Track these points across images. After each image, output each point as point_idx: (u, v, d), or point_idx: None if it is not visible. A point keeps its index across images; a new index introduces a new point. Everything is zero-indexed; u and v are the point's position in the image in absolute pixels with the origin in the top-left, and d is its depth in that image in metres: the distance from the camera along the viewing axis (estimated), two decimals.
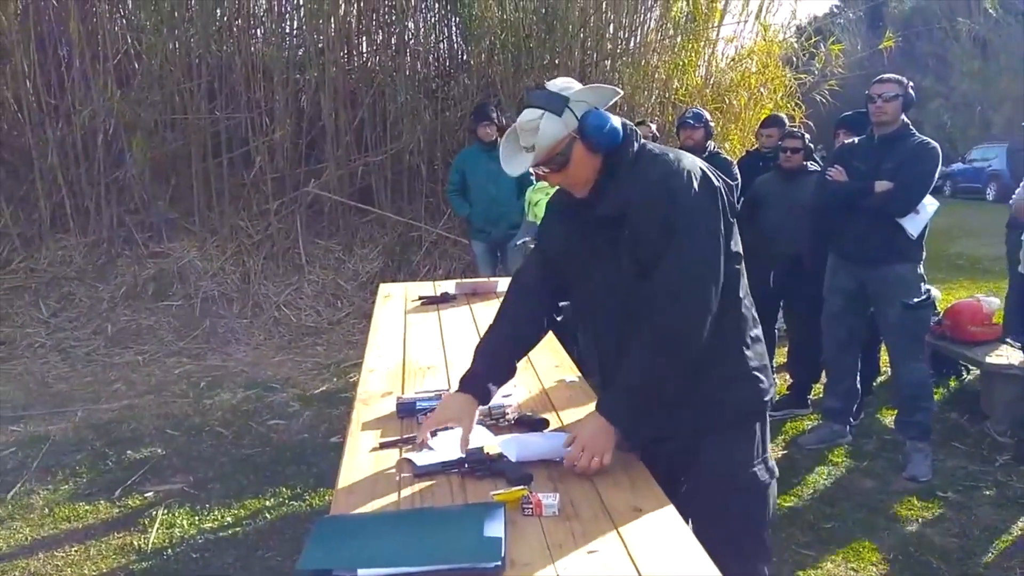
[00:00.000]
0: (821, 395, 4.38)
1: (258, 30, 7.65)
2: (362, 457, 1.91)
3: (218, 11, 7.34)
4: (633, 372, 1.74)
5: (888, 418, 4.30)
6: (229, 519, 3.37)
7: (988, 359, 4.29)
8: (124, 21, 7.55)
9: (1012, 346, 4.45)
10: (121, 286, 6.66)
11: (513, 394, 2.30)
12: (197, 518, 3.38)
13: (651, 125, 5.43)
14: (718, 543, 1.53)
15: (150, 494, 3.63)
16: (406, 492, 1.72)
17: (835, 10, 28.48)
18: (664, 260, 1.70)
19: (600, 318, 1.89)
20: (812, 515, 3.34)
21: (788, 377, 4.75)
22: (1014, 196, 3.87)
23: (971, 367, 4.73)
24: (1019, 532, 3.17)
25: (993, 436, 4.09)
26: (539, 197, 5.32)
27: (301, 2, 7.53)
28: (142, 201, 7.06)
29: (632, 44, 7.61)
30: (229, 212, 7.02)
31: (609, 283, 1.81)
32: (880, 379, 4.78)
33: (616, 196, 1.76)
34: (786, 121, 5.29)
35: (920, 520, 3.27)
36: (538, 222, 5.18)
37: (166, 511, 3.43)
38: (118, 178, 7.05)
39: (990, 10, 20.15)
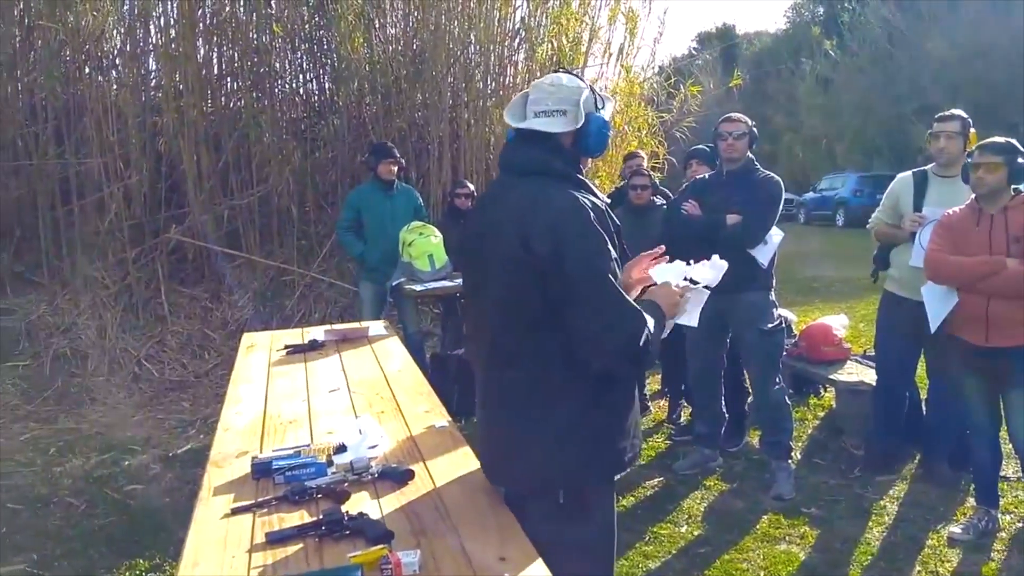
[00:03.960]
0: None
1: (112, 72, 7.29)
2: (212, 525, 1.79)
3: (67, 51, 6.94)
4: None
5: (756, 439, 4.48)
6: None
7: (839, 377, 4.57)
8: None
9: (860, 363, 4.77)
10: None
11: (379, 445, 2.24)
12: None
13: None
14: None
15: None
16: (258, 560, 1.62)
17: (693, 52, 30.38)
18: None
19: None
20: (686, 540, 3.41)
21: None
22: (870, 221, 4.13)
23: (827, 385, 5.02)
24: (875, 541, 3.36)
25: (849, 450, 4.34)
26: (413, 237, 5.29)
27: (158, 43, 7.24)
28: None
29: (501, 85, 7.75)
30: (82, 262, 6.56)
31: None
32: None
33: None
34: (642, 152, 5.64)
35: (787, 538, 3.41)
36: (413, 262, 5.20)
37: None
38: None
39: (830, 51, 22.05)
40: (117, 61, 7.23)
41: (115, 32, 7.02)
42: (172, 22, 7.16)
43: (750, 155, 3.78)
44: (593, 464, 1.88)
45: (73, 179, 6.65)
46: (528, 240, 1.74)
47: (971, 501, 3.58)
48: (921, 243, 3.60)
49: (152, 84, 7.37)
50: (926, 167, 3.85)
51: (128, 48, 7.13)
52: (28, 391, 5.75)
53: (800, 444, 4.47)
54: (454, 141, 7.43)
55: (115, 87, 7.06)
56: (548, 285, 1.74)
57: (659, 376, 5.50)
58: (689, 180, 4.43)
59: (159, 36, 7.25)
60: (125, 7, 7.07)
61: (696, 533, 3.49)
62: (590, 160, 1.99)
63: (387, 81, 7.37)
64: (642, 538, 3.42)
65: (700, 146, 4.70)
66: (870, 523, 3.52)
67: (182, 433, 5.08)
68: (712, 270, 2.09)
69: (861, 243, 11.76)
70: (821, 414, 4.98)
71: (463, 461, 2.16)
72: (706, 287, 2.07)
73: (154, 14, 7.12)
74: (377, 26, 7.56)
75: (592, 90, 1.91)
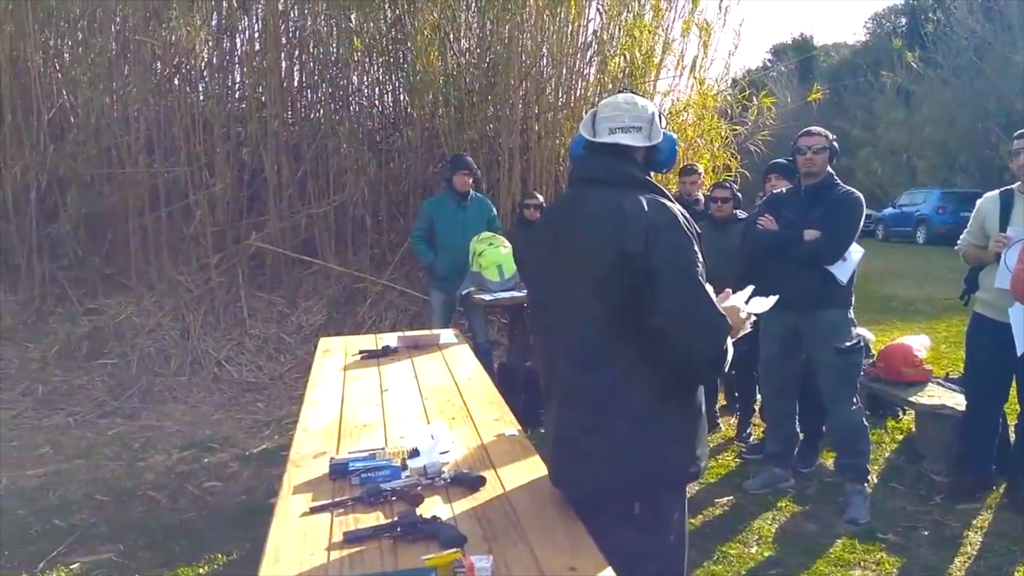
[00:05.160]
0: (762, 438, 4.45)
1: (200, 84, 7.62)
2: (292, 523, 1.86)
3: (157, 64, 7.29)
4: None
5: (830, 461, 4.36)
6: None
7: (921, 400, 4.40)
8: (60, 75, 7.43)
9: (942, 386, 4.59)
10: (53, 345, 6.42)
11: (451, 451, 2.28)
12: None
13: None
14: None
15: (76, 565, 3.44)
16: (336, 558, 1.67)
17: (768, 64, 29.86)
18: None
19: None
20: (756, 561, 3.34)
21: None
22: (959, 243, 4.00)
23: (906, 408, 4.85)
24: (957, 572, 3.22)
25: (929, 476, 4.17)
26: (483, 247, 5.35)
27: (243, 56, 7.54)
28: (76, 257, 6.87)
29: (572, 97, 7.78)
30: (168, 266, 6.87)
31: None
32: None
33: None
34: (700, 169, 5.61)
35: (861, 564, 3.30)
36: (482, 272, 5.26)
37: None
38: (51, 233, 6.86)
39: (912, 63, 21.35)
40: (204, 73, 7.55)
41: (204, 47, 7.33)
42: (257, 35, 7.46)
43: (830, 170, 3.69)
44: (671, 467, 1.90)
45: (161, 187, 6.97)
46: (622, 242, 1.78)
47: None
48: (1007, 264, 3.49)
49: (237, 96, 7.68)
50: (1013, 186, 3.72)
51: (215, 61, 7.45)
52: (115, 388, 6.04)
53: (876, 468, 4.32)
54: (524, 153, 7.49)
55: (202, 99, 7.37)
56: (638, 285, 1.78)
57: (723, 392, 5.43)
58: (767, 194, 4.36)
59: (244, 49, 7.56)
60: (213, 22, 7.39)
61: (766, 554, 3.42)
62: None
63: (460, 93, 7.48)
64: (710, 557, 3.36)
65: (779, 160, 4.61)
66: (951, 552, 3.38)
67: (258, 433, 5.25)
68: (761, 305, 2.12)
69: (944, 261, 11.40)
70: (899, 437, 4.81)
71: (533, 470, 2.18)
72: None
73: (239, 27, 7.44)
74: (452, 39, 7.69)
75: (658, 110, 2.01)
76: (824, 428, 4.34)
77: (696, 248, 1.83)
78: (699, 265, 1.81)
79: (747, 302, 2.08)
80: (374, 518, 1.84)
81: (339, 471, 2.09)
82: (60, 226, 6.84)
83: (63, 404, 5.81)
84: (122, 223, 6.94)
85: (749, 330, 2.05)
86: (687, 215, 1.88)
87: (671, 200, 1.91)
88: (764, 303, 2.12)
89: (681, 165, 5.74)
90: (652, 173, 2.01)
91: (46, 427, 5.40)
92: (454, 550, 1.62)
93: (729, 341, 1.85)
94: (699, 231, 1.89)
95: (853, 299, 3.76)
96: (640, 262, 1.77)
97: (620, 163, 1.93)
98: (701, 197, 5.18)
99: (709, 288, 2.01)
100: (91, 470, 4.59)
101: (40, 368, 6.20)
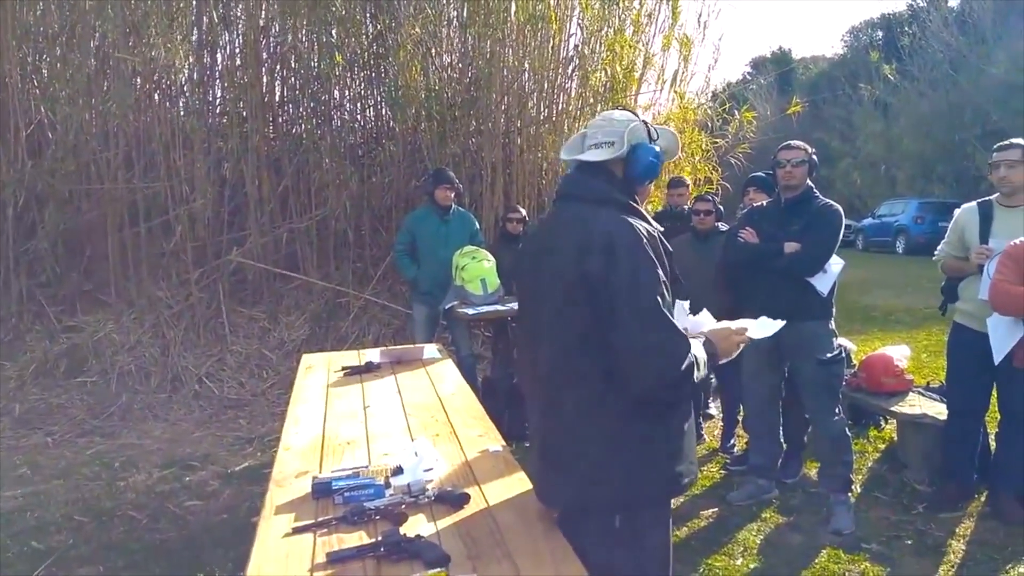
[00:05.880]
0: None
1: (180, 99, 7.59)
2: (274, 543, 1.84)
3: (137, 80, 7.25)
4: None
5: (813, 471, 4.37)
6: None
7: (902, 409, 4.43)
8: (38, 92, 7.37)
9: (923, 395, 4.63)
10: (31, 363, 6.33)
11: (435, 468, 2.26)
12: None
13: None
14: None
15: None
16: None
17: (747, 77, 30.16)
18: None
19: None
20: (741, 573, 3.34)
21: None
22: (936, 253, 4.04)
23: (888, 417, 4.88)
24: None
25: (912, 485, 4.20)
26: (466, 261, 5.35)
27: (224, 71, 7.52)
28: (54, 273, 6.79)
29: (554, 111, 7.82)
30: (147, 282, 6.81)
31: None
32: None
33: None
34: (688, 181, 5.68)
35: (846, 574, 3.31)
36: (465, 286, 5.25)
37: None
38: (28, 250, 6.78)
39: (889, 76, 21.66)
40: (185, 89, 7.52)
41: (184, 63, 7.29)
42: (238, 50, 7.44)
43: (809, 183, 3.72)
44: (650, 484, 1.89)
45: (141, 202, 6.92)
46: (582, 260, 1.79)
47: None
48: (989, 275, 3.52)
49: (217, 111, 7.65)
50: (991, 197, 3.77)
51: (195, 76, 7.42)
52: (94, 406, 5.96)
53: (859, 477, 4.35)
54: (507, 167, 7.51)
55: (182, 114, 7.34)
56: (597, 305, 1.78)
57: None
58: (747, 207, 4.39)
59: (225, 64, 7.54)
60: (194, 37, 7.37)
61: (752, 566, 3.42)
62: (651, 187, 2.07)
63: (442, 108, 7.50)
64: (696, 570, 3.36)
65: (758, 173, 4.65)
66: (935, 561, 3.40)
67: (239, 451, 5.19)
68: (765, 328, 2.14)
69: (923, 271, 11.52)
70: (882, 447, 4.84)
71: (517, 486, 2.17)
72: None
73: (220, 43, 7.42)
74: (434, 54, 7.71)
75: (645, 123, 1.98)
76: (807, 439, 4.36)
77: (658, 270, 1.81)
78: (659, 285, 1.79)
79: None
80: (357, 538, 1.82)
81: (322, 490, 2.07)
82: (38, 243, 6.76)
83: (41, 423, 5.72)
84: (101, 239, 6.88)
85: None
86: (656, 234, 1.88)
87: (642, 218, 1.90)
88: (771, 326, 2.12)
89: (669, 178, 5.78)
90: (637, 187, 1.99)
91: (24, 447, 5.32)
92: (438, 570, 1.61)
93: (702, 355, 1.85)
94: (670, 249, 1.90)
95: (834, 310, 3.78)
96: (600, 280, 1.77)
97: (593, 179, 1.94)
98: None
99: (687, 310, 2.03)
100: (70, 490, 4.52)
101: (17, 387, 6.11)
